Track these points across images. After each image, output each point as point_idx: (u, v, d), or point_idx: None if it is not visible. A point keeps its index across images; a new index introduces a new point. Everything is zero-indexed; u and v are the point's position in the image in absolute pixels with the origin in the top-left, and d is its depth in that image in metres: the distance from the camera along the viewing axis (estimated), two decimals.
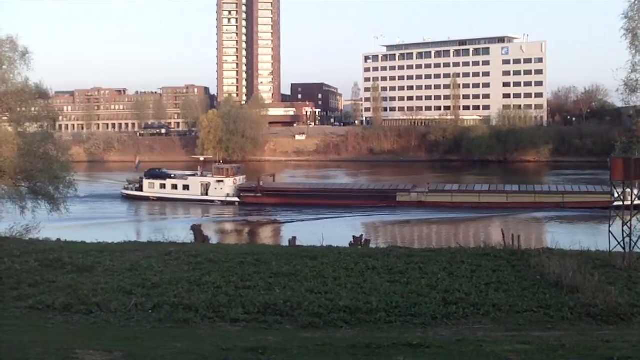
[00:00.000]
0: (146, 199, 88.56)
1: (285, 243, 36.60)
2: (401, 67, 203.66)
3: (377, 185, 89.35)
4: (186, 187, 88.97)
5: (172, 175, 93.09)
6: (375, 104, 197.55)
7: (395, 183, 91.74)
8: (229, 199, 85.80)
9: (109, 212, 78.50)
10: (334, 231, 63.45)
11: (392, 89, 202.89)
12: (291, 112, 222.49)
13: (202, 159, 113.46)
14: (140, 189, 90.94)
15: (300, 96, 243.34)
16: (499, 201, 76.05)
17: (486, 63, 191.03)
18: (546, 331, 15.92)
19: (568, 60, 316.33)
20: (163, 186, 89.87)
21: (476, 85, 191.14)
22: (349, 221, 70.33)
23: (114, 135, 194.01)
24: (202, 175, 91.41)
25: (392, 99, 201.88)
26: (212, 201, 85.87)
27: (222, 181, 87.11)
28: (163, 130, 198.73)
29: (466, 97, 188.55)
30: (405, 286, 20.49)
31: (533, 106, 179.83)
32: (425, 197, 79.30)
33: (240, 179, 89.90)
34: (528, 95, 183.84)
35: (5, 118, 37.90)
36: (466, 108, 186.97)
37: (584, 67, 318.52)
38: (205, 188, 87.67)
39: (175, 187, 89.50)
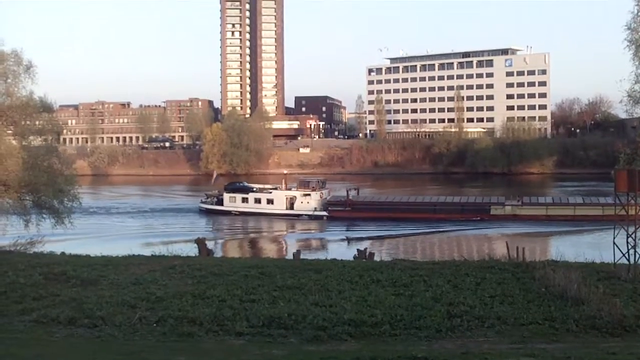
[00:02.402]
0: (227, 213, 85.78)
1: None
2: (405, 80, 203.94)
3: (469, 198, 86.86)
4: (270, 201, 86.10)
5: (254, 189, 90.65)
6: (379, 117, 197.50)
7: (488, 196, 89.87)
8: (316, 212, 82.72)
9: (192, 227, 74.97)
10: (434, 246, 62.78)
11: (396, 101, 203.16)
12: (295, 125, 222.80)
13: (285, 172, 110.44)
14: (220, 202, 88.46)
15: (304, 109, 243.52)
16: (595, 214, 73.38)
17: (490, 75, 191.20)
18: (551, 343, 15.86)
19: (572, 72, 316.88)
20: (245, 200, 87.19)
21: (480, 98, 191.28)
22: (447, 235, 69.70)
23: (118, 149, 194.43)
24: (286, 189, 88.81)
25: (396, 111, 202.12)
26: (299, 215, 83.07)
27: (309, 195, 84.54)
28: (167, 144, 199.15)
29: (470, 109, 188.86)
30: (410, 299, 20.44)
31: (537, 118, 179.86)
32: (519, 210, 78.02)
33: (326, 193, 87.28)
34: (532, 107, 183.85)
35: (10, 131, 38.00)
36: (470, 120, 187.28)
37: (588, 78, 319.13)
38: (291, 202, 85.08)
39: (258, 200, 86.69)
